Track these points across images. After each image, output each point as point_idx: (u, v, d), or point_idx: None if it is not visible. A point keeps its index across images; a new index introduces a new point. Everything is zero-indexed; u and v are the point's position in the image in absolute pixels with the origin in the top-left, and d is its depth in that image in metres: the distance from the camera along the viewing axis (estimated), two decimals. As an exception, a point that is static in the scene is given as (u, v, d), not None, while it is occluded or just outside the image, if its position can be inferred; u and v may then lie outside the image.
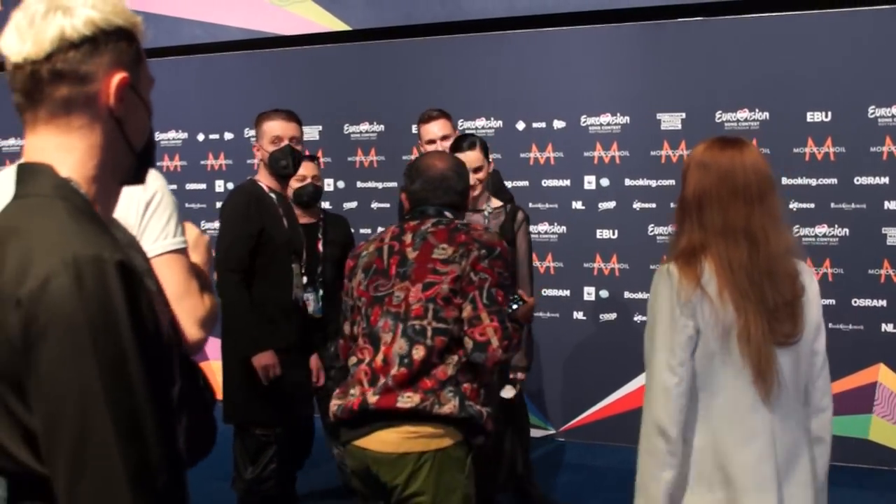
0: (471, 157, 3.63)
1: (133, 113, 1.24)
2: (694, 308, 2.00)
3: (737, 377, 2.01)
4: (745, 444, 2.01)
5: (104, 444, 1.04)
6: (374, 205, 5.73)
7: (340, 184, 5.94)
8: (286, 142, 3.64)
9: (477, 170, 3.67)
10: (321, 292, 4.08)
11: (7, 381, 1.07)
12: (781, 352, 2.03)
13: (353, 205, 5.91)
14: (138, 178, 1.31)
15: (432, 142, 4.13)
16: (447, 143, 3.99)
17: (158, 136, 6.29)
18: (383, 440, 2.45)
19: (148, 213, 1.86)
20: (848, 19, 4.89)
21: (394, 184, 5.73)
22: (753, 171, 2.04)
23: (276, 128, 3.66)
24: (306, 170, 4.13)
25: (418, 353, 2.46)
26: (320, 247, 4.20)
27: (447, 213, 2.71)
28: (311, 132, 5.94)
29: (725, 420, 2.03)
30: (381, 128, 5.84)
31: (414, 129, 5.65)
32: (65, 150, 1.19)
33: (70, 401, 1.04)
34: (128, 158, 1.25)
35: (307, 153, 4.16)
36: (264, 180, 3.68)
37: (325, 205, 5.96)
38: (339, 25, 5.83)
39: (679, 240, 2.10)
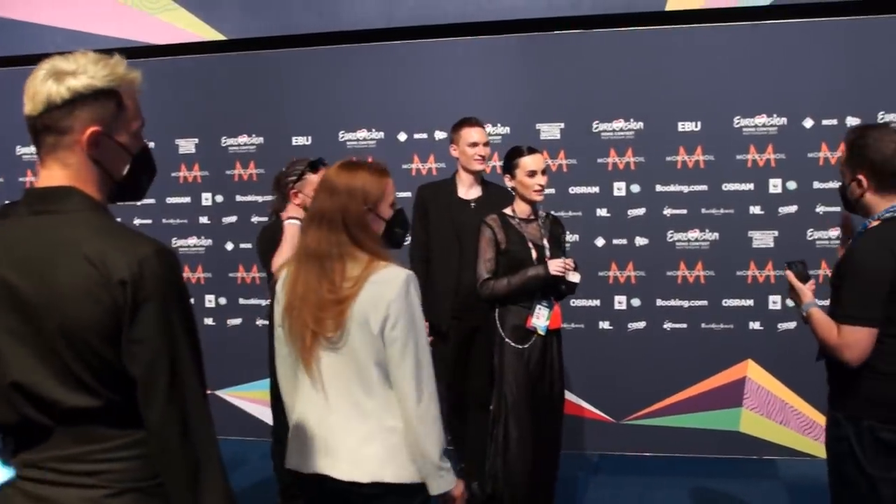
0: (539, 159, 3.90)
1: (108, 153, 1.66)
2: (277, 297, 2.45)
3: (295, 359, 2.41)
4: (297, 412, 2.44)
5: (188, 367, 1.61)
6: (255, 219, 5.59)
7: (219, 198, 5.76)
8: None
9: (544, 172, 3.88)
10: None
11: (106, 338, 1.55)
12: (327, 344, 2.34)
13: (233, 219, 5.75)
14: (124, 198, 1.75)
15: (476, 145, 4.40)
16: (488, 150, 4.43)
17: (19, 149, 5.96)
18: None
19: None
20: (715, 35, 5.14)
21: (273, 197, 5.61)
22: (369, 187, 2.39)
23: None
24: None
25: None
26: None
27: None
28: (187, 145, 5.76)
29: (290, 390, 2.49)
30: (261, 140, 5.71)
31: (294, 140, 5.59)
32: (69, 179, 1.62)
33: (166, 342, 1.57)
34: (109, 184, 1.69)
35: (315, 159, 3.91)
36: None
37: (204, 220, 5.79)
38: (212, 35, 5.66)
39: (307, 243, 2.40)
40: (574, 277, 3.80)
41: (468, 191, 4.51)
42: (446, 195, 4.51)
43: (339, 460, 2.34)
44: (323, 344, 2.33)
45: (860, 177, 2.68)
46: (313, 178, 3.78)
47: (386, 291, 2.27)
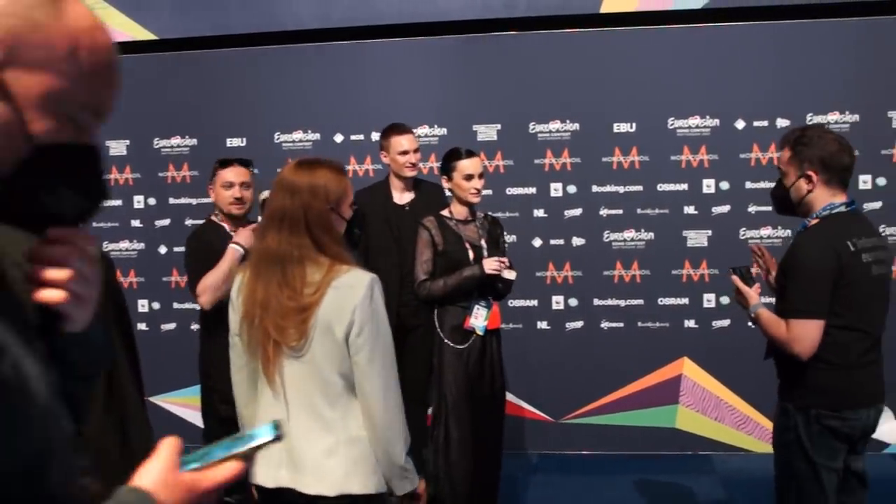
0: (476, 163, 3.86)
1: None
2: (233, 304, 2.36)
3: (256, 367, 2.32)
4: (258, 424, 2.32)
5: (125, 372, 1.54)
6: (189, 221, 5.48)
7: (151, 200, 5.63)
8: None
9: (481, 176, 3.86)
10: None
11: None
12: (290, 354, 2.25)
13: (166, 222, 5.63)
14: None
15: (406, 153, 4.37)
16: (419, 156, 4.39)
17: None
18: None
19: None
20: (649, 37, 5.20)
21: (209, 199, 5.51)
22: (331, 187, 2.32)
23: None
24: (236, 176, 3.78)
25: None
26: None
27: None
28: (119, 147, 5.62)
29: (246, 402, 2.40)
30: (194, 141, 5.60)
31: (229, 142, 5.50)
32: None
33: None
34: None
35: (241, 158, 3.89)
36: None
37: (136, 223, 5.66)
38: (143, 34, 5.53)
39: (265, 244, 2.29)
40: (510, 275, 3.81)
41: (401, 195, 4.54)
42: (381, 199, 4.51)
43: (303, 474, 2.27)
44: (286, 353, 2.24)
45: (810, 173, 2.77)
46: (223, 174, 3.80)
47: (350, 296, 2.20)
